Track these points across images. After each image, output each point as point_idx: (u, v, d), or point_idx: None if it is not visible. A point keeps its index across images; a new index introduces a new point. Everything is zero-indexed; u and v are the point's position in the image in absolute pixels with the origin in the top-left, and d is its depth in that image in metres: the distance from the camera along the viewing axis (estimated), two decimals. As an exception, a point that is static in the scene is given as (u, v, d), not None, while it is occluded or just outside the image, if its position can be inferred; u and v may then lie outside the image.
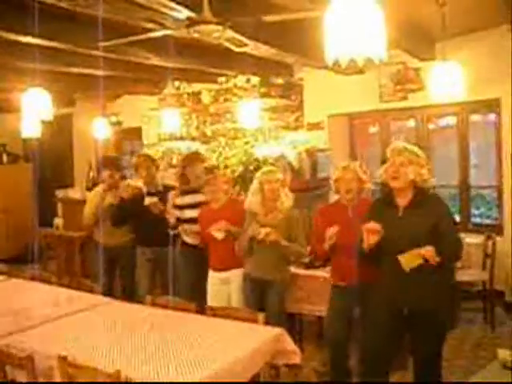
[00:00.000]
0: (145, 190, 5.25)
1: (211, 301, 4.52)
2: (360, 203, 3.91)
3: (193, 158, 5.26)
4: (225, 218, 4.44)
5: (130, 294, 5.27)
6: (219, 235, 4.40)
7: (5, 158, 9.80)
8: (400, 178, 3.36)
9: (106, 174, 5.56)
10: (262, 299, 4.31)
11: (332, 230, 3.77)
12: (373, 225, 3.30)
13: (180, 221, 4.99)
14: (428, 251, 3.16)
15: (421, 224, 3.28)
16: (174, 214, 4.99)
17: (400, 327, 3.44)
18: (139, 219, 5.25)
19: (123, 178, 5.80)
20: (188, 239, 5.02)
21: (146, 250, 5.29)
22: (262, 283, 4.30)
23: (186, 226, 4.97)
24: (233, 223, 4.43)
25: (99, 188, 5.65)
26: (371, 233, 3.29)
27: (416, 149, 3.47)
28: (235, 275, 4.48)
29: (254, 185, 4.39)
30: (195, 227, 4.85)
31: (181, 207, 5.02)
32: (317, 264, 4.73)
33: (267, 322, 3.56)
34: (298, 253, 4.36)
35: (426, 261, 3.19)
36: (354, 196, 3.94)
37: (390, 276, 3.39)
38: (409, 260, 3.21)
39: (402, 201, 3.40)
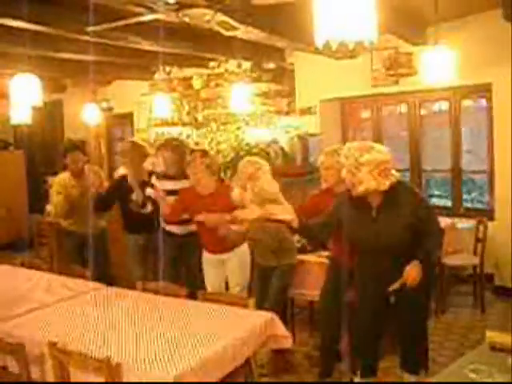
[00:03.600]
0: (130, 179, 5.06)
1: (208, 282, 4.53)
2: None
3: (165, 144, 5.10)
4: (215, 206, 4.26)
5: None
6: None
7: (-5, 144, 9.69)
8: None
9: (70, 158, 5.29)
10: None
11: None
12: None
13: None
14: (408, 282, 3.16)
15: (396, 224, 3.21)
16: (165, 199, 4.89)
17: (384, 313, 3.45)
18: (126, 207, 5.14)
19: (87, 162, 5.53)
20: (167, 227, 4.95)
21: (137, 237, 5.24)
22: (267, 270, 4.31)
23: None
24: (224, 211, 4.19)
25: (64, 175, 5.44)
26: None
27: (345, 150, 3.24)
28: (230, 257, 4.44)
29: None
30: None
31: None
32: (308, 249, 4.74)
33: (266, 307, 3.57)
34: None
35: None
36: (336, 182, 3.79)
37: (369, 274, 3.39)
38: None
39: (373, 201, 3.27)
